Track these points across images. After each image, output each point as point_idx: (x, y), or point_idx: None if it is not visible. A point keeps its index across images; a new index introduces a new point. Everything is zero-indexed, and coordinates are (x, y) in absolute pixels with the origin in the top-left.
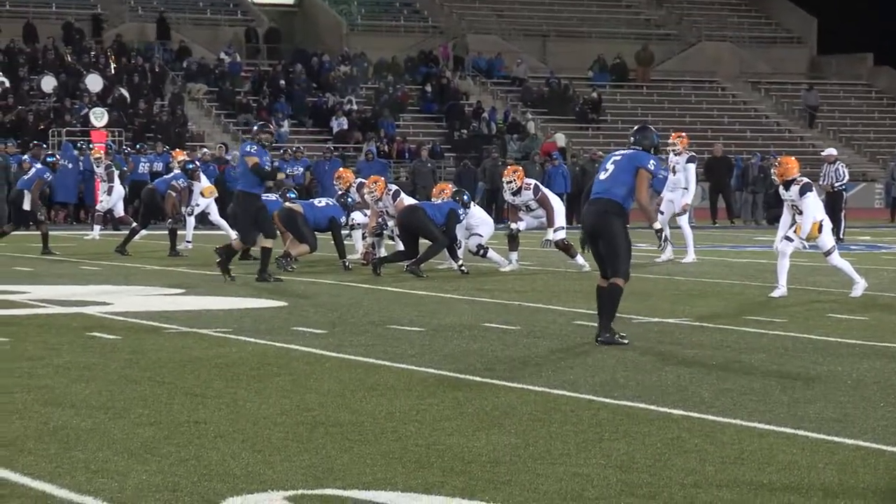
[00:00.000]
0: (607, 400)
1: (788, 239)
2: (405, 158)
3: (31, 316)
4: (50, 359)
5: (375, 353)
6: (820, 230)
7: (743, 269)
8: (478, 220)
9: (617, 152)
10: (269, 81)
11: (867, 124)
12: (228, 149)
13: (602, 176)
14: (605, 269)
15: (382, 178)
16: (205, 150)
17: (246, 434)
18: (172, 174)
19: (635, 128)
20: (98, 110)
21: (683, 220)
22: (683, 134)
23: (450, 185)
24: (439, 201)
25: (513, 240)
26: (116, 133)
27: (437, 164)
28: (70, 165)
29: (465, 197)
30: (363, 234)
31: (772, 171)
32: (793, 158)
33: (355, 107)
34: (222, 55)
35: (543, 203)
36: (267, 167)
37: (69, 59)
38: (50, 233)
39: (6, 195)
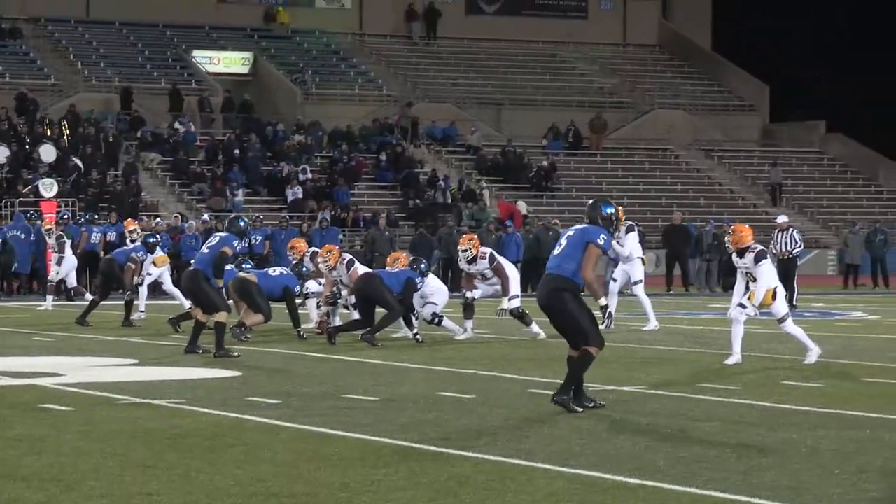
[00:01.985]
0: (563, 469)
1: (742, 306)
2: (360, 227)
3: None
4: (1, 431)
5: (330, 423)
6: (774, 297)
7: (698, 336)
8: (433, 288)
9: (572, 227)
10: (223, 150)
11: (820, 191)
12: (184, 218)
13: (556, 251)
14: (571, 341)
15: (336, 248)
16: (158, 219)
17: None
18: (132, 246)
19: (590, 202)
20: (47, 181)
21: (639, 289)
22: (619, 207)
23: (405, 254)
24: (395, 270)
25: (468, 308)
26: (70, 203)
27: (394, 233)
28: (22, 236)
29: (423, 265)
30: (318, 303)
31: (726, 238)
32: (746, 226)
33: (310, 175)
34: (177, 125)
35: (499, 272)
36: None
37: (22, 128)
38: (1, 304)
39: None
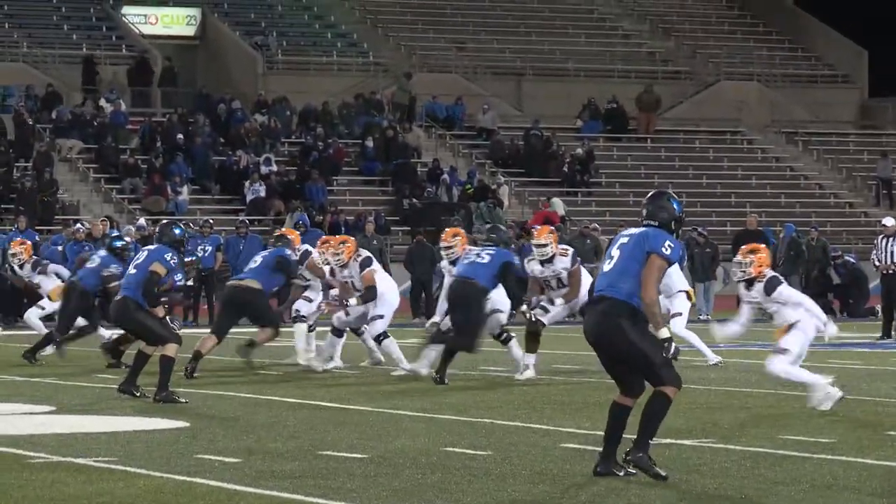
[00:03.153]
0: None
1: (780, 352)
2: (341, 233)
3: None
4: None
5: (304, 488)
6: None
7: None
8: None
9: (625, 232)
10: (162, 136)
11: None
12: (114, 223)
13: (606, 266)
14: (626, 384)
15: (353, 240)
16: (79, 225)
17: None
18: (99, 260)
19: (649, 195)
20: None
21: (679, 324)
22: None
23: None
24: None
25: (533, 337)
26: None
27: (384, 241)
28: None
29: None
30: (309, 326)
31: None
32: (763, 247)
33: (275, 168)
34: (102, 102)
35: (574, 280)
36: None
37: None
38: None
39: None
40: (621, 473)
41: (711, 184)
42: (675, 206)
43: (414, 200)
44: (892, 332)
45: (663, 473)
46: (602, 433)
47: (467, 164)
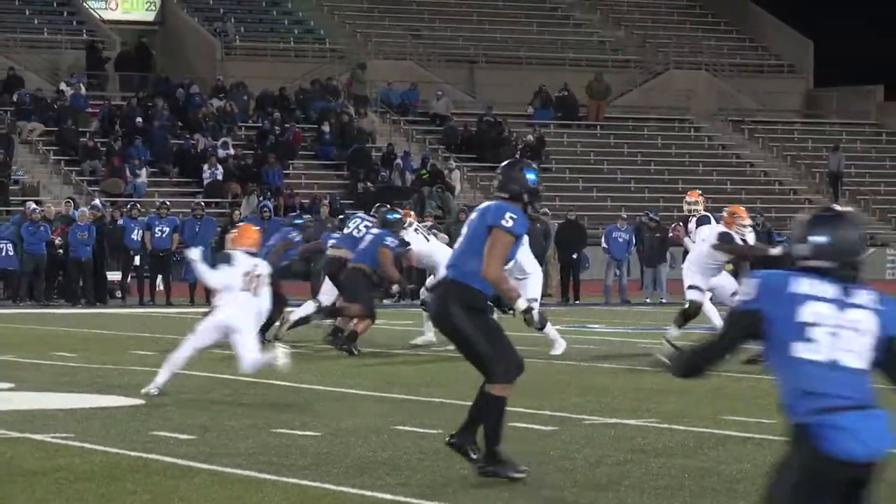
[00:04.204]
0: None
1: None
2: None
3: None
4: None
5: (257, 465)
6: None
7: None
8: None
9: (476, 208)
10: (121, 119)
11: (877, 175)
12: (76, 205)
13: (456, 244)
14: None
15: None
16: (33, 206)
17: None
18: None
19: (503, 164)
20: None
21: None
22: (695, 193)
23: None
24: None
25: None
26: None
27: (339, 224)
28: None
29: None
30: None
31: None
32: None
33: (232, 151)
34: (63, 86)
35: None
36: None
37: None
38: None
39: None
40: (473, 456)
41: (659, 170)
42: (528, 176)
43: (368, 184)
44: None
45: (475, 456)
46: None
47: (421, 150)
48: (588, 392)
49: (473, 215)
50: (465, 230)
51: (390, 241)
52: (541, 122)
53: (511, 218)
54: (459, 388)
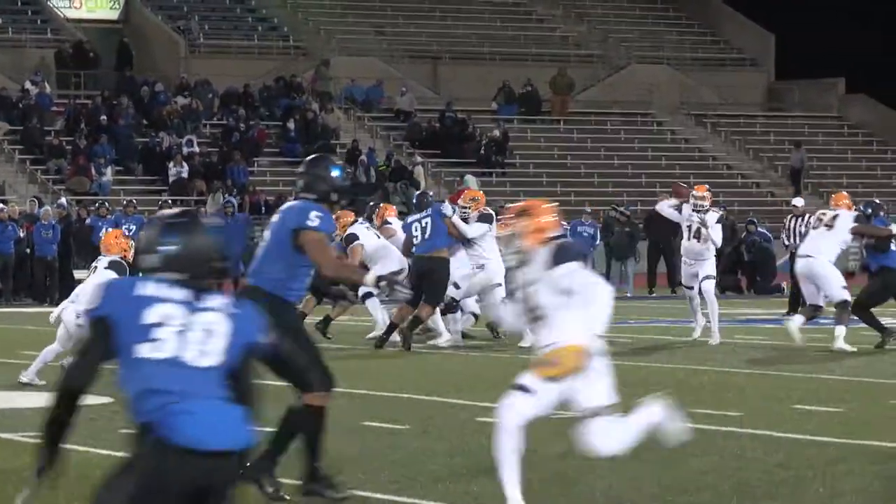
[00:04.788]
0: None
1: None
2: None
3: None
4: None
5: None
6: None
7: (689, 350)
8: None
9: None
10: (86, 118)
11: (839, 167)
12: (41, 203)
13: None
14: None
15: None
16: (0, 206)
17: None
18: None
19: (306, 161)
20: None
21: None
22: (702, 188)
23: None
24: None
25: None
26: None
27: None
28: None
29: None
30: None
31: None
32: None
33: (197, 149)
34: (27, 85)
35: None
36: None
37: None
38: None
39: None
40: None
41: (623, 164)
42: (334, 173)
43: None
44: (799, 309)
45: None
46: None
47: (385, 146)
48: None
49: (275, 218)
50: (267, 234)
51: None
52: (505, 117)
53: (317, 217)
54: (426, 385)
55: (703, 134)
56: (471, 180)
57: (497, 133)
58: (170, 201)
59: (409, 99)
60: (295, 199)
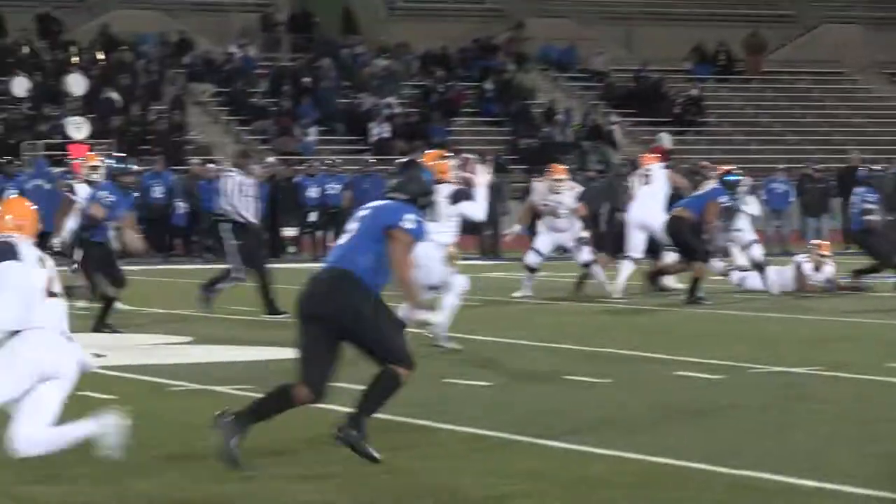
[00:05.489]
0: (722, 469)
1: None
2: None
3: None
4: None
5: (431, 414)
6: None
7: (884, 305)
8: None
9: (368, 205)
10: (290, 80)
11: None
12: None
13: (342, 240)
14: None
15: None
16: (210, 165)
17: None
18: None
19: (400, 163)
20: (77, 119)
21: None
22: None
23: None
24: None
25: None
26: (105, 146)
27: (502, 179)
28: (47, 186)
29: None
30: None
31: None
32: None
33: (398, 110)
34: (233, 49)
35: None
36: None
37: (45, 55)
38: None
39: None
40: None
41: (816, 122)
42: (426, 178)
43: (530, 140)
44: None
45: (376, 455)
46: (721, 362)
47: (581, 106)
48: (756, 342)
49: (365, 212)
50: (354, 225)
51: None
52: (699, 76)
53: (412, 220)
54: (630, 340)
55: (895, 91)
56: (665, 138)
57: (694, 92)
58: (373, 161)
59: (604, 60)
60: (386, 198)
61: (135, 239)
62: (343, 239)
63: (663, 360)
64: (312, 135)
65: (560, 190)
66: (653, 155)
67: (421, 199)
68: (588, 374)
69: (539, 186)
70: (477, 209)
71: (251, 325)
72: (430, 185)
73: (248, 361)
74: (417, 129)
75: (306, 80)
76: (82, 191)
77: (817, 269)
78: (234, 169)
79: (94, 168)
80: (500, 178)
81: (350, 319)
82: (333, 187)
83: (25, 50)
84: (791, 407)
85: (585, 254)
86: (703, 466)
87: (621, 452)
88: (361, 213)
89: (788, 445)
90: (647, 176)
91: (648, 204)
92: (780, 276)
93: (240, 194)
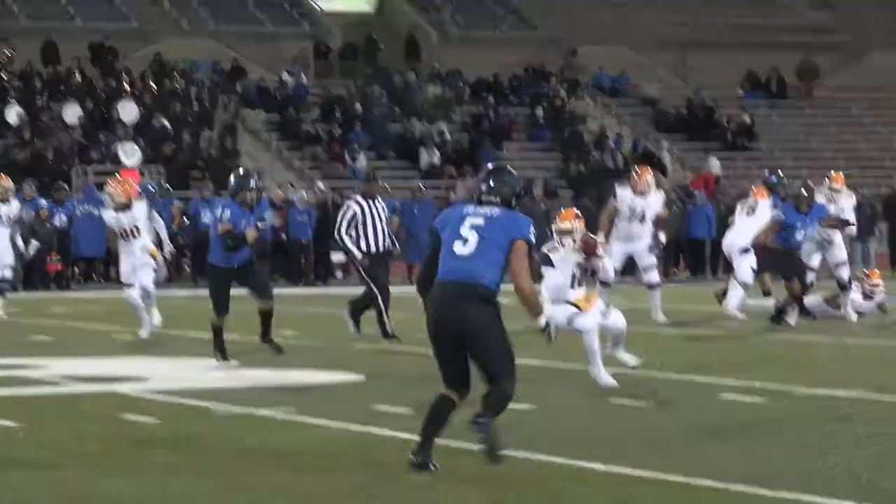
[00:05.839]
0: (763, 491)
1: None
2: None
3: (50, 395)
4: (74, 447)
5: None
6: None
7: None
8: None
9: (470, 209)
10: (342, 106)
11: None
12: (295, 189)
13: (461, 248)
14: (458, 376)
15: None
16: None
17: None
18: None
19: (488, 168)
20: (128, 145)
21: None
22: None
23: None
24: None
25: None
26: (156, 172)
27: (552, 205)
28: (96, 212)
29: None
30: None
31: None
32: None
33: (449, 136)
34: (284, 76)
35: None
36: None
37: (98, 82)
38: (72, 294)
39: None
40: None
41: (868, 148)
42: (516, 182)
43: (581, 166)
44: None
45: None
46: (762, 384)
47: (632, 132)
48: (797, 365)
49: (479, 221)
50: (469, 235)
51: None
52: (751, 101)
53: (533, 231)
54: (672, 362)
55: None
56: (714, 164)
57: (746, 118)
58: (423, 187)
59: (657, 86)
60: (486, 203)
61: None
62: (459, 249)
63: (705, 383)
64: (362, 160)
65: (647, 192)
66: (763, 188)
67: (513, 202)
68: (632, 396)
69: (623, 193)
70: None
71: (297, 348)
72: (518, 187)
73: (290, 386)
74: (468, 155)
75: (358, 106)
76: (107, 216)
77: (867, 297)
78: (360, 196)
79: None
80: (549, 203)
81: (478, 332)
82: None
83: (77, 78)
84: (832, 429)
85: (654, 275)
86: (743, 488)
87: (661, 475)
88: (473, 221)
89: (831, 467)
90: (753, 208)
91: (745, 234)
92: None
93: (362, 222)
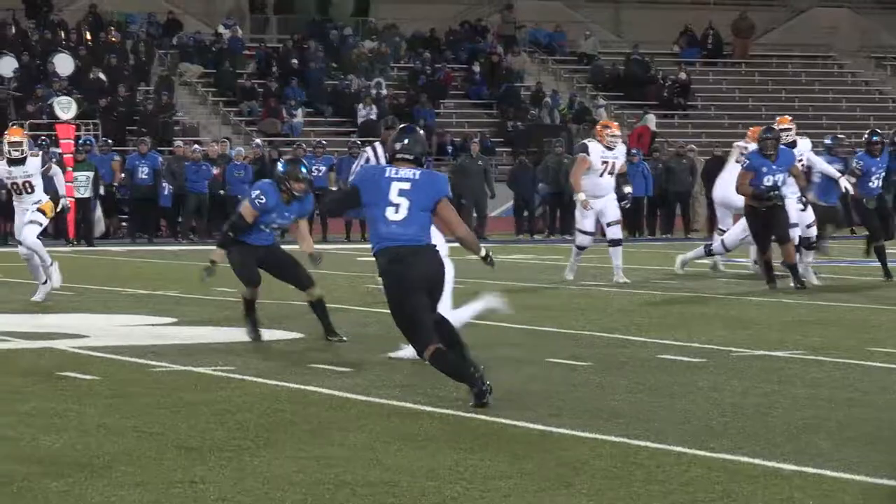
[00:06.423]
0: (701, 452)
1: None
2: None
3: None
4: (12, 405)
5: (413, 396)
6: None
7: (866, 289)
8: None
9: (391, 173)
10: (278, 61)
11: None
12: (231, 145)
13: (392, 215)
14: (432, 324)
15: None
16: (196, 146)
17: (254, 496)
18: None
19: (401, 127)
20: (64, 99)
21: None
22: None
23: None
24: None
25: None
26: (92, 126)
27: (489, 161)
28: None
29: None
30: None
31: None
32: None
33: (385, 91)
34: (221, 29)
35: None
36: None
37: (33, 35)
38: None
39: None
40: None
41: (803, 106)
42: (425, 140)
43: (517, 123)
44: None
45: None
46: (701, 345)
47: (569, 88)
48: (735, 325)
49: (405, 185)
50: (400, 201)
51: None
52: (687, 59)
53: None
54: (612, 323)
55: (883, 76)
56: (650, 120)
57: (682, 75)
58: (359, 142)
59: (593, 42)
60: (401, 161)
61: (310, 245)
62: (392, 216)
63: (644, 343)
64: (299, 116)
65: (615, 146)
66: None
67: (424, 160)
68: (569, 356)
69: (594, 147)
70: None
71: (235, 305)
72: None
73: (230, 342)
74: (405, 111)
75: (294, 61)
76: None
77: None
78: (374, 143)
79: (16, 145)
80: (486, 160)
81: (444, 279)
82: (319, 169)
83: (12, 30)
84: (772, 390)
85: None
86: (681, 449)
87: (601, 435)
88: (400, 186)
89: (768, 428)
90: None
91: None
92: None
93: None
